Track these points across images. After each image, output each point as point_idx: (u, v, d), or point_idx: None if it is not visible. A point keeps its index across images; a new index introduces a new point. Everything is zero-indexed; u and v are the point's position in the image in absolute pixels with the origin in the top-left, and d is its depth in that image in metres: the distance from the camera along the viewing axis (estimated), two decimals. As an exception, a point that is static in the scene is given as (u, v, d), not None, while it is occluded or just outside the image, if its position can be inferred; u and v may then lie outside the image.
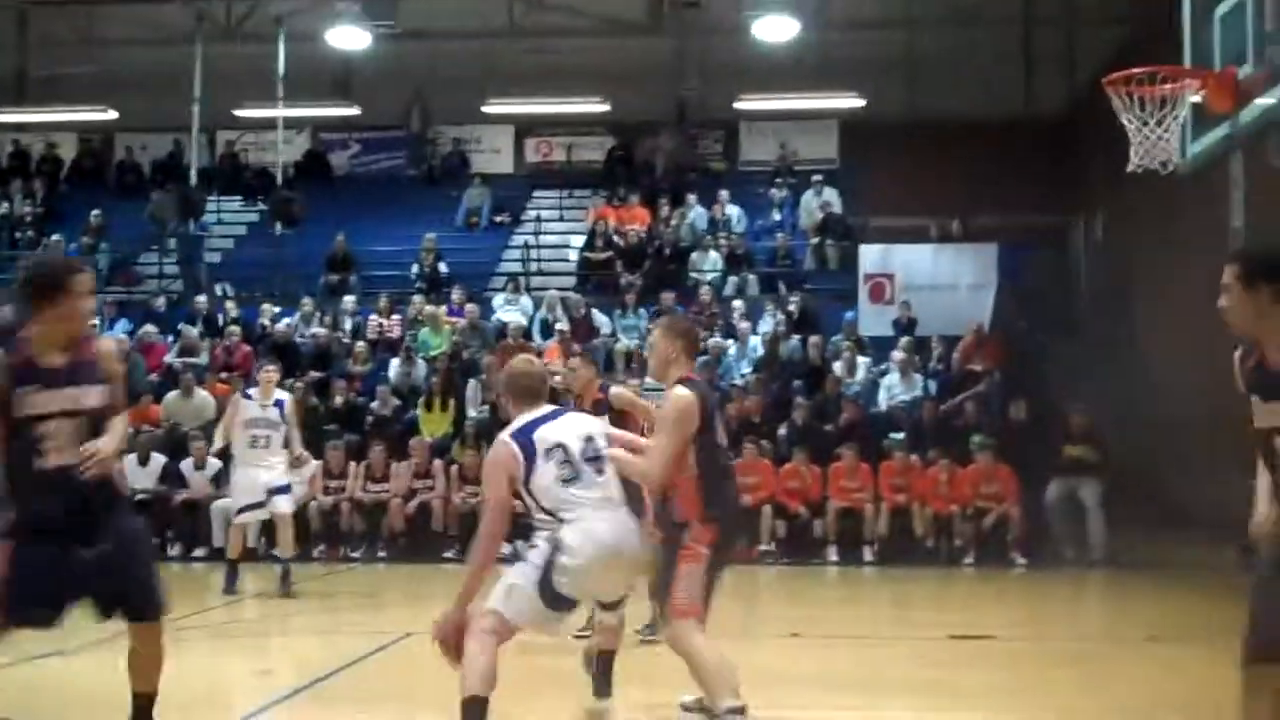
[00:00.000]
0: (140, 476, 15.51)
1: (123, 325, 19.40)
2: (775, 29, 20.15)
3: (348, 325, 19.11)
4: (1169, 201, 16.82)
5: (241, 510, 11.93)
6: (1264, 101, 9.05)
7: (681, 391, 5.87)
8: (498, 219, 23.31)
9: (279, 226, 21.28)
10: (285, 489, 11.81)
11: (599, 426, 6.11)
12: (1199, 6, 10.06)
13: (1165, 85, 9.47)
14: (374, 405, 16.77)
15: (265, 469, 11.64)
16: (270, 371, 12.04)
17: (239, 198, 24.09)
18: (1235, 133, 9.67)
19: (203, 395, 16.74)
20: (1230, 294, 4.36)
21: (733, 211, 21.74)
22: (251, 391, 11.92)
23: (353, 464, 15.43)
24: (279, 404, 11.74)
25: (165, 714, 6.88)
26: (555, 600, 5.62)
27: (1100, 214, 22.18)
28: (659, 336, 6.18)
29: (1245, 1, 9.20)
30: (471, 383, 16.95)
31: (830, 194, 21.67)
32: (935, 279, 19.42)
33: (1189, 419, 17.80)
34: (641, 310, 19.12)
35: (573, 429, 5.84)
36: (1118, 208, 20.63)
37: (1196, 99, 9.59)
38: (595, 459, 5.77)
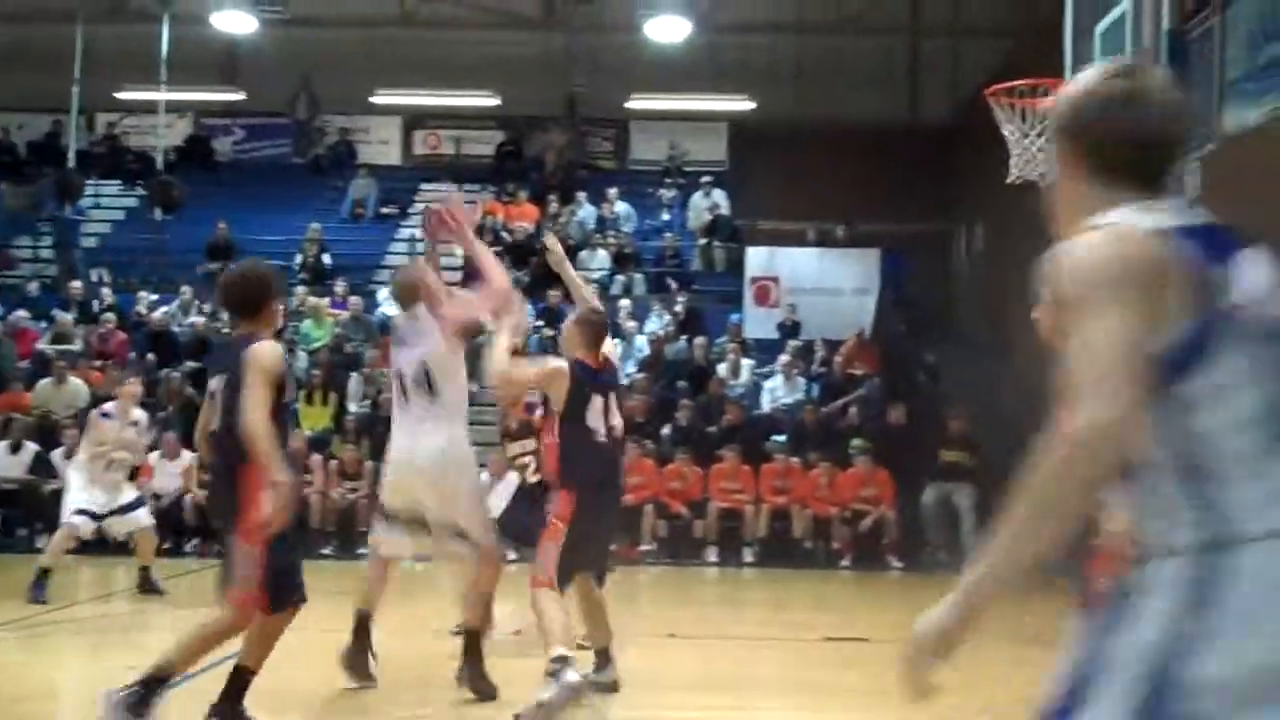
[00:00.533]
0: (10, 465, 15.13)
1: (-5, 310, 18.87)
2: (667, 29, 20.24)
3: (226, 315, 18.77)
4: (1046, 213, 17.22)
5: (76, 514, 11.17)
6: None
7: (556, 362, 6.83)
8: (384, 211, 23.06)
9: (159, 212, 20.84)
10: (139, 503, 11.58)
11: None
12: (1081, 21, 10.29)
13: (1047, 98, 9.67)
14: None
15: (111, 489, 11.27)
16: (132, 385, 11.70)
17: (118, 182, 23.54)
18: (1111, 148, 9.89)
19: (76, 383, 16.32)
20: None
21: (622, 210, 21.78)
22: (110, 408, 11.49)
23: (230, 457, 15.15)
24: (136, 424, 11.44)
25: (33, 708, 6.74)
26: (384, 515, 7.05)
27: (981, 223, 22.59)
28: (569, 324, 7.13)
29: (1124, 17, 9.44)
30: (353, 376, 16.78)
31: (719, 196, 21.82)
32: (820, 283, 19.67)
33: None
34: (527, 307, 19.04)
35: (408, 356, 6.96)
36: (997, 217, 21.00)
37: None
38: (424, 383, 6.90)
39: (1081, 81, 2.48)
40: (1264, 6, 12.24)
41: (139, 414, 11.56)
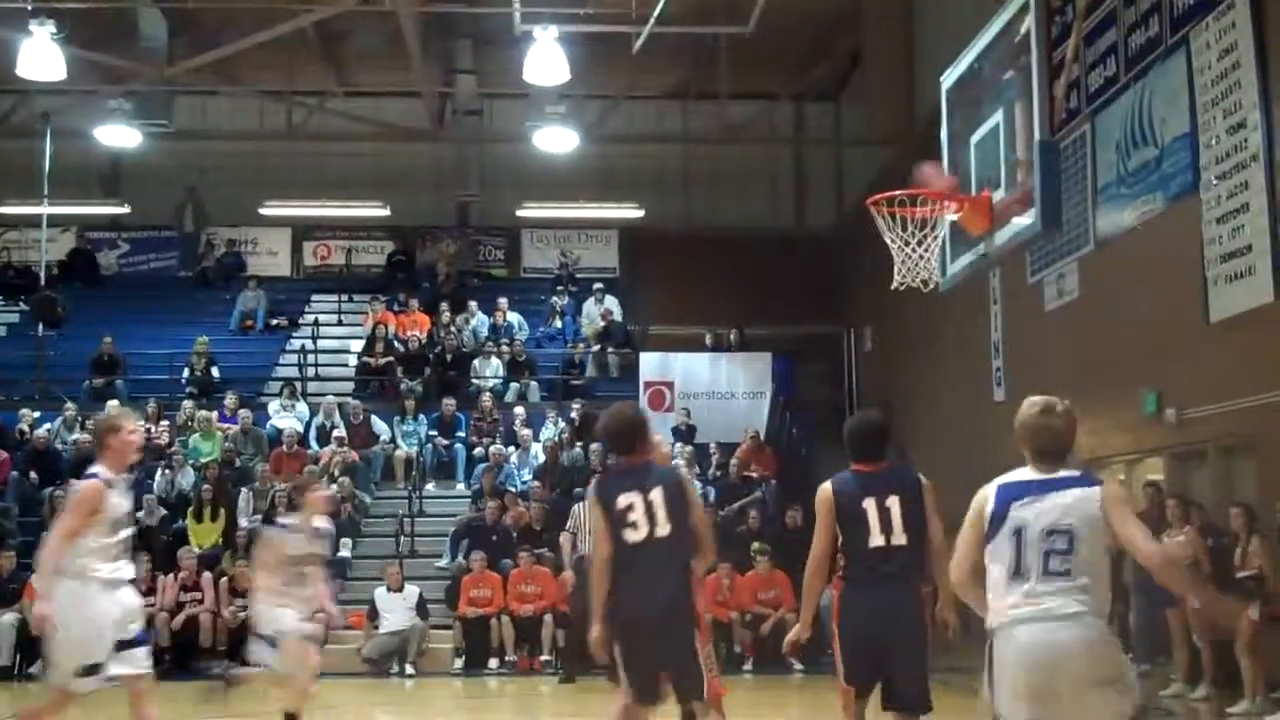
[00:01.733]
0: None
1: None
2: (555, 140, 20.47)
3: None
4: (932, 315, 17.56)
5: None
6: (1019, 222, 9.53)
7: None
8: (274, 322, 22.83)
9: (41, 327, 20.43)
10: None
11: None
12: (956, 130, 10.59)
13: (925, 207, 9.88)
14: (140, 515, 16.11)
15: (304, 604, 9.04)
16: (320, 490, 9.63)
17: (-1, 297, 23.09)
18: (991, 253, 10.14)
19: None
20: None
21: (514, 318, 21.81)
22: (291, 521, 9.17)
23: (116, 576, 14.73)
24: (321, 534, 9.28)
25: None
26: None
27: (869, 326, 22.97)
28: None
29: (998, 128, 9.72)
30: (244, 491, 16.49)
31: (611, 302, 21.96)
32: (713, 387, 19.83)
33: (950, 525, 18.44)
34: (421, 416, 18.95)
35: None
36: (884, 320, 21.39)
37: (954, 219, 10.04)
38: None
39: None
40: (1130, 113, 12.76)
41: (324, 524, 9.39)
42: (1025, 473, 4.90)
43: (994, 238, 10.01)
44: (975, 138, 10.07)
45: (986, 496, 4.91)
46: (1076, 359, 15.14)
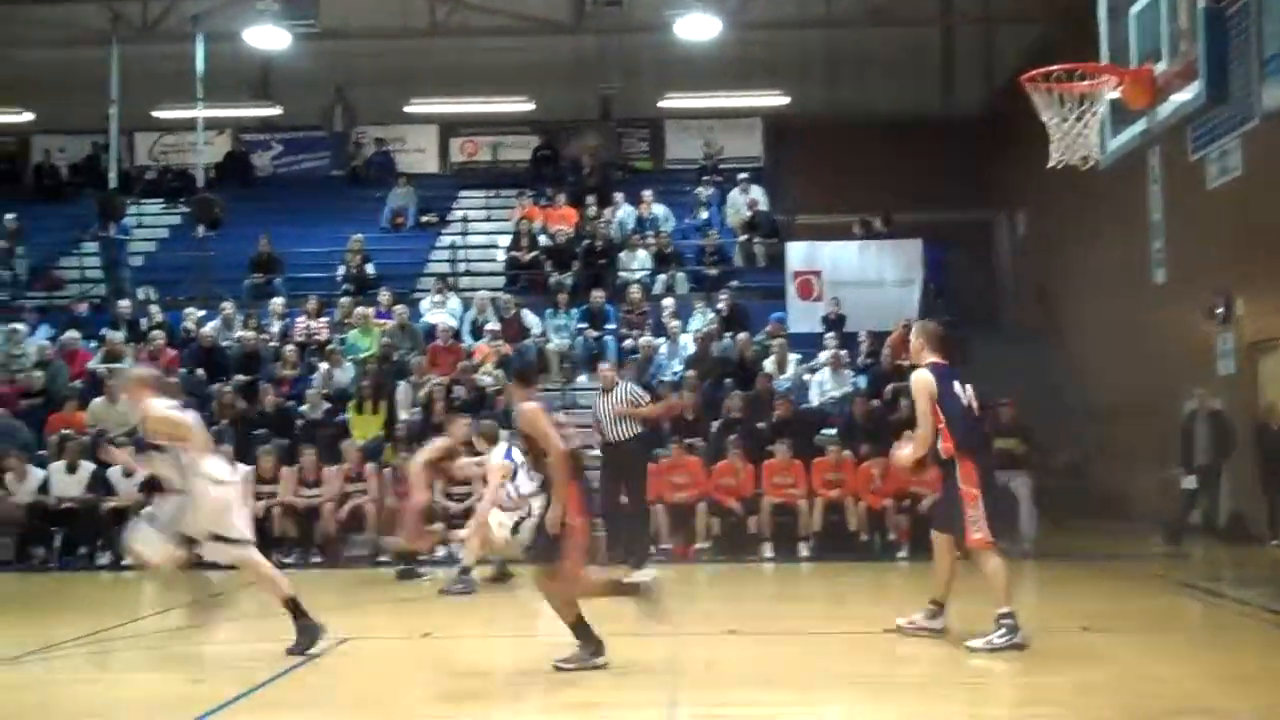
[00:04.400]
0: (68, 484, 15.30)
1: (44, 331, 19.08)
2: (697, 27, 20.25)
3: (274, 328, 18.93)
4: (1088, 196, 17.12)
5: None
6: (1179, 98, 9.23)
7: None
8: (424, 219, 23.20)
9: (201, 229, 21.03)
10: None
11: None
12: (1114, 5, 10.24)
13: (1083, 82, 9.62)
14: (304, 409, 16.64)
15: None
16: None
17: (160, 201, 23.79)
18: (1152, 128, 9.85)
19: (126, 400, 16.49)
20: None
21: (660, 210, 21.80)
22: None
23: (284, 468, 15.27)
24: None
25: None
26: None
27: (1021, 210, 22.51)
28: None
29: (1159, 0, 9.39)
30: (402, 385, 16.87)
31: (756, 191, 21.81)
32: (862, 275, 19.62)
33: (1113, 408, 18.15)
34: (573, 310, 19.13)
35: None
36: (1038, 203, 20.95)
37: (1114, 95, 9.75)
38: None
39: None
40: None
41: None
42: None
43: (1155, 113, 9.72)
44: (1135, 8, 9.75)
45: None
46: (1239, 238, 14.67)
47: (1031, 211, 22.06)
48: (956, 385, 8.52)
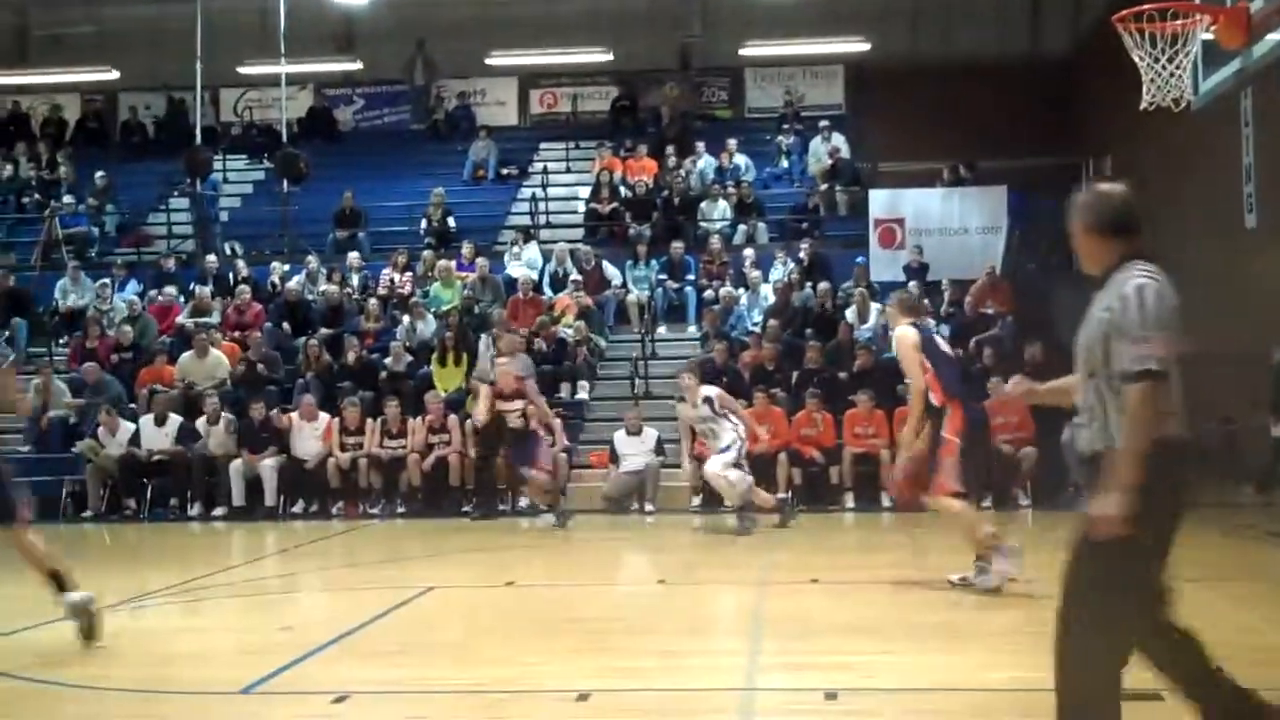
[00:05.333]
0: (158, 437, 15.59)
1: (133, 286, 19.40)
2: (778, -26, 20.00)
3: (355, 281, 19.09)
4: (1177, 140, 16.75)
5: None
6: (1276, 36, 8.98)
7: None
8: (504, 172, 23.22)
9: (285, 184, 21.23)
10: None
11: None
12: (1210, -59, 9.96)
13: (1176, 21, 9.40)
14: (388, 361, 16.78)
15: None
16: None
17: (245, 156, 24.03)
18: (1246, 68, 9.60)
19: (216, 354, 16.76)
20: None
21: (740, 159, 21.65)
22: None
23: (369, 420, 15.44)
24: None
25: (192, 670, 6.98)
26: None
27: (1109, 154, 22.08)
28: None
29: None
30: (484, 337, 16.96)
31: (838, 139, 21.58)
32: (945, 223, 19.34)
33: (1203, 356, 17.79)
34: (653, 261, 19.09)
35: None
36: (1126, 148, 20.52)
37: (1208, 35, 9.52)
38: None
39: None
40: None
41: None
42: None
43: (1250, 52, 9.47)
44: (1232, -55, 9.47)
45: None
46: (1336, 181, 14.29)
47: (1120, 155, 21.61)
48: (938, 339, 8.95)
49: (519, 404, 13.44)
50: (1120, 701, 4.09)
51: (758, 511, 12.59)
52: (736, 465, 12.50)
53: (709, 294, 18.32)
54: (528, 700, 6.14)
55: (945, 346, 9.04)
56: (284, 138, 22.11)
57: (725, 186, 20.92)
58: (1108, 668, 4.03)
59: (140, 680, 6.69)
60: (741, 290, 18.16)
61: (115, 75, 23.90)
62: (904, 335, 8.84)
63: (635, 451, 14.91)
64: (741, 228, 20.08)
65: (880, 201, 19.83)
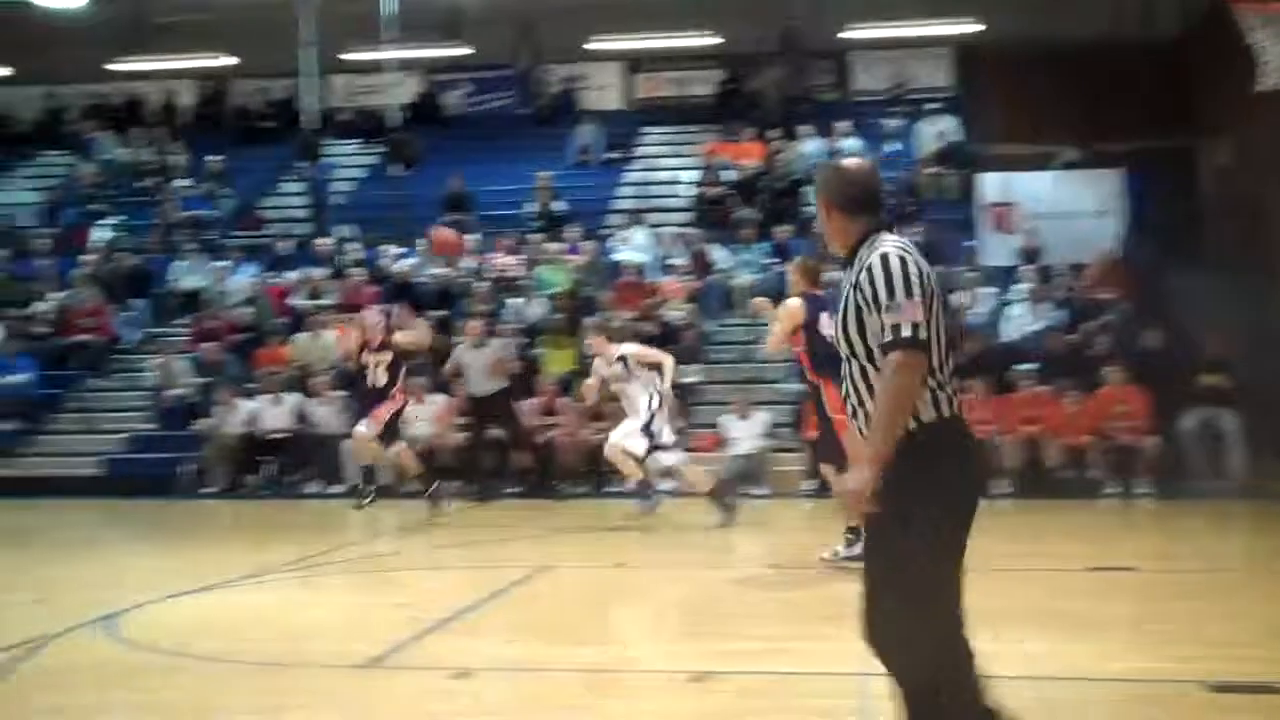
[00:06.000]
0: (275, 416, 15.90)
1: (250, 269, 19.76)
2: (887, -45, 19.76)
3: (466, 265, 19.24)
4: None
5: None
6: None
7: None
8: (609, 156, 23.26)
9: (396, 168, 21.44)
10: None
11: None
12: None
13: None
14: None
15: None
16: None
17: (357, 140, 24.33)
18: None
19: (330, 335, 17.04)
20: None
21: (847, 143, 21.45)
22: None
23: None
24: None
25: (317, 644, 7.13)
26: None
27: (1226, 137, 21.58)
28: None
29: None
30: (592, 320, 17.03)
31: (947, 122, 21.32)
32: (1057, 206, 19.04)
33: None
34: (759, 245, 19.03)
35: None
36: (1244, 130, 20.05)
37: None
38: None
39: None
40: None
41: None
42: None
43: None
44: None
45: None
46: None
47: (1237, 139, 21.12)
48: (824, 315, 8.95)
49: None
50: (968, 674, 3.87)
51: (701, 496, 12.11)
52: (649, 433, 11.89)
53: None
54: (640, 680, 6.20)
55: (828, 322, 8.67)
56: (394, 122, 22.33)
57: (832, 170, 20.69)
58: (927, 639, 3.81)
59: (266, 654, 6.86)
60: (849, 274, 17.99)
61: (229, 61, 24.30)
62: (789, 307, 9.29)
63: (744, 435, 14.91)
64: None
65: (991, 185, 19.58)
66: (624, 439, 11.86)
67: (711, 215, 20.42)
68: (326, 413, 15.88)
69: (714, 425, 15.33)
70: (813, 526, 12.65)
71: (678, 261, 18.45)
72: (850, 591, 7.96)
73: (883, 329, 3.76)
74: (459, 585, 9.20)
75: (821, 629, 7.15)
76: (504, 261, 18.92)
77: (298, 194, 22.55)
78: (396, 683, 6.29)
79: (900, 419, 3.71)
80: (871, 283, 3.80)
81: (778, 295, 18.29)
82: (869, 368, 3.84)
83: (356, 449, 13.72)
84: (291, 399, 16.04)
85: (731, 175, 20.91)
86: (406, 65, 23.74)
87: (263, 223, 22.20)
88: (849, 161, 4.25)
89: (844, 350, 3.93)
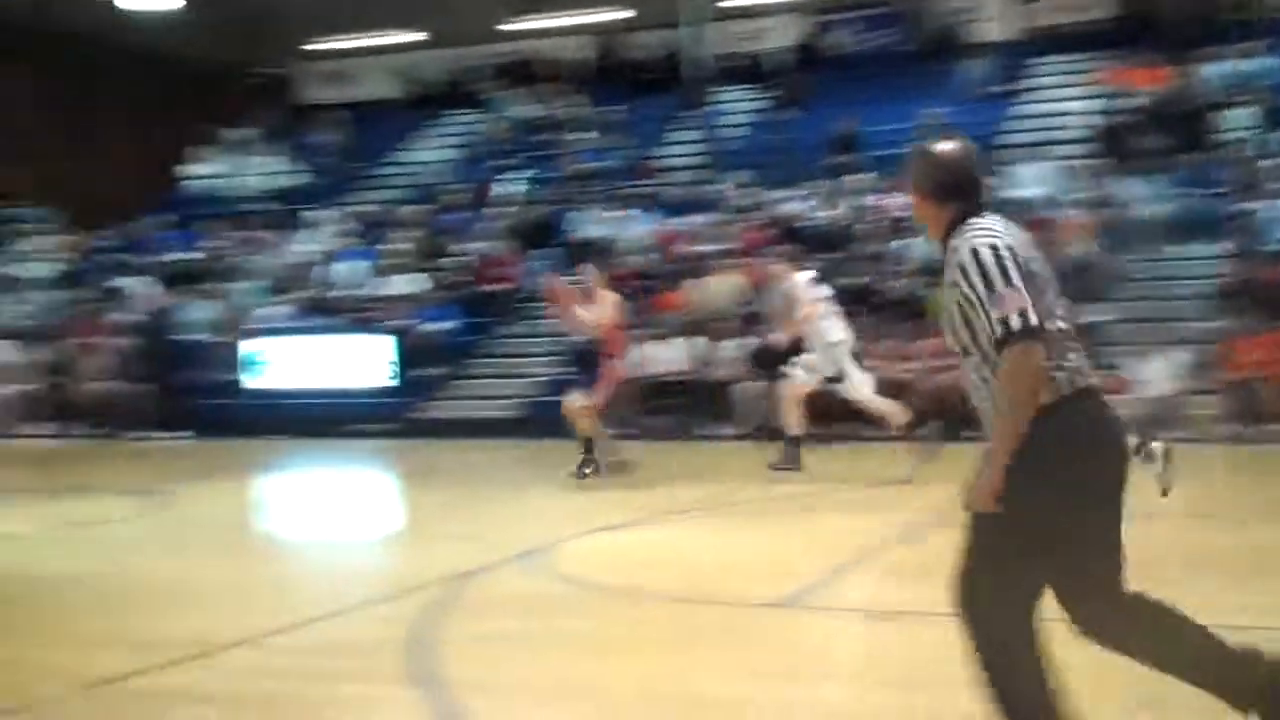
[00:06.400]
0: (672, 360, 16.34)
1: (646, 217, 20.31)
2: None
3: (854, 205, 19.11)
4: None
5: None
6: None
7: None
8: (998, 89, 22.49)
9: (785, 111, 21.46)
10: None
11: None
12: None
13: None
14: (887, 285, 16.78)
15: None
16: None
17: (745, 86, 24.51)
18: None
19: (725, 280, 17.33)
20: None
21: (1262, 63, 19.93)
22: None
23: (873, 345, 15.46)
24: None
25: (726, 582, 7.33)
26: None
27: None
28: None
29: None
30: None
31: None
32: None
33: None
34: (1168, 175, 18.03)
35: None
36: None
37: None
38: None
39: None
40: None
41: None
42: None
43: None
44: None
45: None
46: None
47: None
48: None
49: None
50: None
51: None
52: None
53: (1234, 208, 17.07)
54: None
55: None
56: (780, 66, 22.32)
57: (1245, 93, 19.32)
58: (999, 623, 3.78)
59: (677, 590, 7.10)
60: (1266, 203, 16.80)
61: (625, 15, 24.86)
62: None
63: (1154, 377, 14.23)
64: (1267, 136, 18.50)
65: None
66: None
67: (1113, 146, 19.47)
68: (723, 356, 16.18)
69: (1117, 366, 14.67)
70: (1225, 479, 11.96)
71: (1079, 195, 17.71)
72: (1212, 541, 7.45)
73: (991, 326, 3.62)
74: (867, 526, 9.19)
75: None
76: (891, 202, 18.68)
77: (688, 143, 22.97)
78: (811, 622, 6.40)
79: (1025, 414, 3.60)
80: (967, 279, 3.67)
81: (1190, 226, 17.44)
82: (984, 366, 3.72)
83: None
84: (689, 343, 16.42)
85: (1134, 102, 19.83)
86: (790, 8, 23.70)
87: (655, 171, 22.73)
88: (939, 146, 4.08)
89: (957, 348, 3.82)
